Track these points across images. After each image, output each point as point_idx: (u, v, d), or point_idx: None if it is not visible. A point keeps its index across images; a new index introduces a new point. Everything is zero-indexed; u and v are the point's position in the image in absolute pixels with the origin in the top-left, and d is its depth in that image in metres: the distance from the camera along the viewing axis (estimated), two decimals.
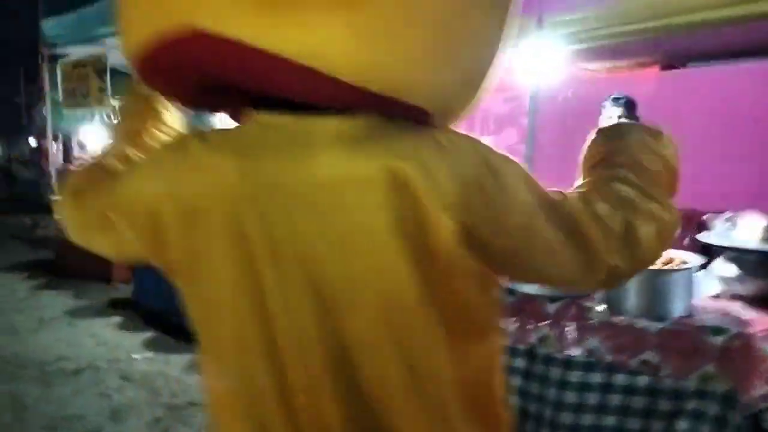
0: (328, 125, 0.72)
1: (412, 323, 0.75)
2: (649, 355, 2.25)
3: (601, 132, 0.95)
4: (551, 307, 2.53)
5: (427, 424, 0.78)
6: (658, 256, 0.85)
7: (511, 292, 2.55)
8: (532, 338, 2.57)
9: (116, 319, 5.31)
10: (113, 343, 4.69)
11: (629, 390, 2.35)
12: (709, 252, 2.49)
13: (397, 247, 0.70)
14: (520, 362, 2.60)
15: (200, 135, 0.78)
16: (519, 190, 0.74)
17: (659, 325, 2.22)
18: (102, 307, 5.70)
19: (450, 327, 0.76)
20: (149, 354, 4.42)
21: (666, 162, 0.88)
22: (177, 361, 4.27)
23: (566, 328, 2.46)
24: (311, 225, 0.72)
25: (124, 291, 5.96)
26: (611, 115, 2.88)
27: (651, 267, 1.21)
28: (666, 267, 2.28)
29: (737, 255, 2.36)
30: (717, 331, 2.10)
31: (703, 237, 2.57)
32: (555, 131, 4.82)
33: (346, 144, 0.71)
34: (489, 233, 0.72)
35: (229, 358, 0.82)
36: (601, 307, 2.40)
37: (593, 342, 2.39)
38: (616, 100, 2.84)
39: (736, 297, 2.37)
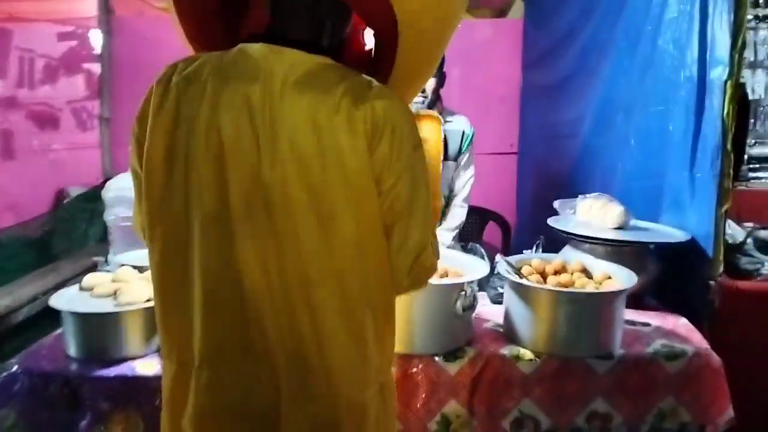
0: (297, 56, 1.03)
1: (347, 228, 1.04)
2: (599, 405, 1.69)
3: None
4: (452, 368, 1.64)
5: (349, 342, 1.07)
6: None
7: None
8: (431, 425, 1.63)
9: None
10: None
11: None
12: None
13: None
14: None
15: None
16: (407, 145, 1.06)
17: (607, 363, 1.69)
18: None
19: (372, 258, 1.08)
20: None
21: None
22: None
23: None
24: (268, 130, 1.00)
25: None
26: None
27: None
28: (602, 289, 1.74)
29: (591, 246, 2.03)
30: (671, 356, 1.72)
31: (555, 222, 2.14)
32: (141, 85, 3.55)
33: (305, 76, 1.02)
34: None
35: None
36: (528, 354, 1.67)
37: (526, 404, 1.66)
38: None
39: None
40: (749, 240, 2.24)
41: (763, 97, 3.21)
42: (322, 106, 0.99)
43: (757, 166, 3.18)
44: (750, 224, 2.44)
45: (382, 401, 1.14)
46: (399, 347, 1.62)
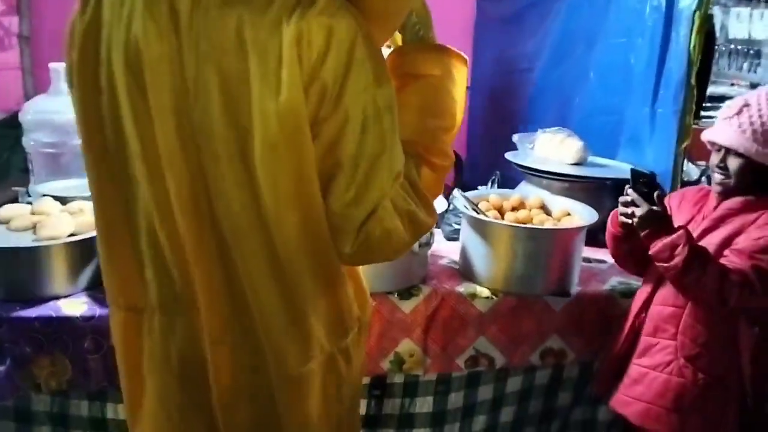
0: None
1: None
2: (553, 342, 1.66)
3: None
4: (407, 306, 1.57)
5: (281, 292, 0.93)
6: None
7: None
8: (384, 363, 1.57)
9: None
10: None
11: (524, 395, 1.73)
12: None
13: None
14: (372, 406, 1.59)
15: None
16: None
17: (563, 301, 1.65)
18: None
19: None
20: None
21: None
22: None
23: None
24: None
25: None
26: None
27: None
28: (561, 225, 1.68)
29: (549, 182, 1.97)
30: (627, 293, 1.69)
31: (513, 157, 2.05)
32: None
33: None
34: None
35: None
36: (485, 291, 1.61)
37: (481, 342, 1.61)
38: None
39: None
40: (703, 179, 2.23)
41: (719, 34, 3.19)
42: (254, 24, 0.80)
43: (710, 105, 3.19)
44: (702, 163, 2.44)
45: (331, 373, 1.01)
46: None
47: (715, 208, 1.46)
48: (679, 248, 1.33)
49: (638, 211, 1.39)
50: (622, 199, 1.44)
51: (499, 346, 1.62)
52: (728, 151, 1.40)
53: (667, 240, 1.35)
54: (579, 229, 1.64)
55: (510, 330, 1.62)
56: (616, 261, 1.64)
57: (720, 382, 1.41)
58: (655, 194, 1.40)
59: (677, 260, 1.34)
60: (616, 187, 2.12)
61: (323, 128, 0.84)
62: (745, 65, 3.51)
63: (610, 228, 1.56)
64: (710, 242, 1.41)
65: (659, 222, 1.38)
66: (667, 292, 1.46)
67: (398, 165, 0.89)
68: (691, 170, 2.26)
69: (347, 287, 1.03)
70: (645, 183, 1.41)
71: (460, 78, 1.01)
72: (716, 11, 3.32)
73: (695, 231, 1.44)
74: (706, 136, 1.47)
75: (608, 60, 2.26)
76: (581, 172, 2.01)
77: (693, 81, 1.87)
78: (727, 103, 1.49)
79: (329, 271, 0.97)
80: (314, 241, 0.91)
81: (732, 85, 3.50)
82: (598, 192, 2.02)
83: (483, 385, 1.66)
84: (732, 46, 3.48)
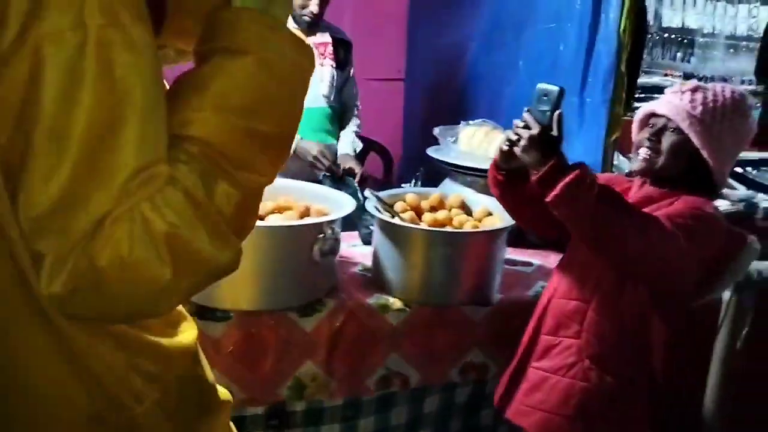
0: None
1: None
2: (474, 355, 1.51)
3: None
4: (308, 324, 1.38)
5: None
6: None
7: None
8: (282, 390, 1.37)
9: None
10: None
11: (443, 415, 1.57)
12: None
13: None
14: None
15: None
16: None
17: (484, 310, 1.49)
18: None
19: None
20: None
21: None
22: None
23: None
24: None
25: None
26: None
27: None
28: (481, 227, 1.52)
29: (473, 179, 1.81)
30: None
31: (435, 152, 1.87)
32: None
33: None
34: None
35: None
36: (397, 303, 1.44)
37: (393, 360, 1.44)
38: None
39: None
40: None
41: (652, 23, 3.12)
42: None
43: (643, 96, 3.12)
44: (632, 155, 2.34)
45: None
46: (243, 303, 1.35)
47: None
48: (570, 173, 1.11)
49: (525, 133, 1.15)
50: (516, 122, 1.20)
51: (414, 362, 1.46)
52: (666, 126, 1.25)
53: (554, 162, 1.13)
54: (499, 231, 1.48)
55: (426, 345, 1.46)
56: (516, 219, 1.41)
57: (629, 383, 1.26)
58: (555, 114, 1.17)
59: (564, 182, 1.10)
60: None
61: (2, 83, 0.52)
62: (679, 54, 3.47)
63: (491, 170, 1.32)
64: None
65: (550, 147, 1.14)
66: (571, 282, 1.29)
67: (151, 152, 0.56)
68: (623, 163, 2.15)
69: (100, 350, 0.64)
70: (547, 100, 1.18)
71: (296, 73, 0.66)
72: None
73: None
74: (646, 108, 1.32)
75: (538, 47, 2.13)
76: None
77: (623, 68, 1.75)
78: (683, 81, 1.36)
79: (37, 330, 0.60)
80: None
81: (665, 75, 3.45)
82: None
83: (397, 407, 1.50)
84: (666, 35, 3.43)
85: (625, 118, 1.84)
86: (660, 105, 1.28)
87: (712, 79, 3.47)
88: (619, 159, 2.16)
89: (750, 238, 1.32)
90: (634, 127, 1.34)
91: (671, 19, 3.41)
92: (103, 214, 0.53)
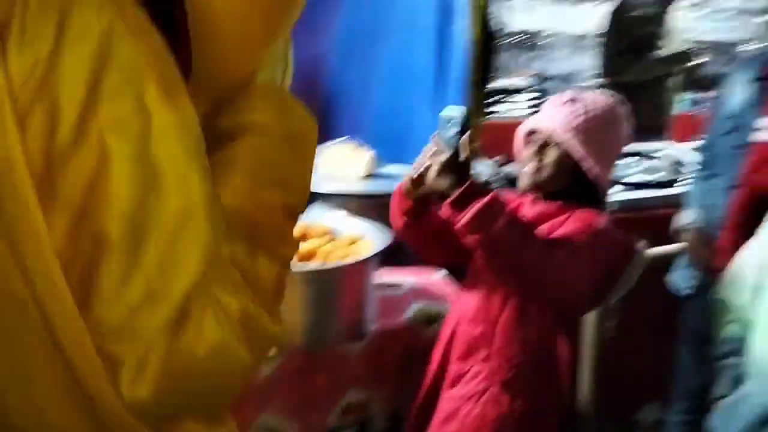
0: None
1: None
2: (354, 395, 1.41)
3: None
4: None
5: None
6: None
7: None
8: None
9: None
10: None
11: None
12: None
13: None
14: None
15: None
16: None
17: (358, 345, 1.40)
18: None
19: None
20: None
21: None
22: None
23: None
24: None
25: None
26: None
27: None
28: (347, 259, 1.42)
29: (342, 201, 1.71)
30: (430, 319, 1.49)
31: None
32: None
33: None
34: None
35: None
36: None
37: (265, 418, 1.30)
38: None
39: None
40: (497, 177, 2.15)
41: (501, 30, 3.21)
42: None
43: (494, 99, 3.21)
44: (497, 159, 2.37)
45: None
46: None
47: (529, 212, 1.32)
48: (481, 200, 1.11)
49: (436, 159, 1.14)
50: (425, 150, 1.20)
51: (289, 415, 1.33)
52: (548, 141, 1.27)
53: (465, 189, 1.11)
54: (369, 260, 1.40)
55: (300, 393, 1.34)
56: (419, 250, 1.40)
57: (540, 405, 1.26)
58: (463, 137, 1.15)
59: (476, 208, 1.10)
60: None
61: (63, 177, 0.49)
62: (525, 57, 3.62)
63: (396, 200, 1.29)
64: None
65: (462, 170, 1.14)
66: (476, 307, 1.28)
67: (217, 232, 0.54)
68: (487, 169, 2.16)
69: None
70: (454, 124, 1.17)
71: (311, 142, 0.68)
72: (494, 3, 3.35)
73: None
74: (527, 124, 1.35)
75: (394, 58, 2.10)
76: (372, 186, 1.79)
77: (475, 78, 1.74)
78: (560, 93, 1.39)
79: None
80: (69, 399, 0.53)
81: (514, 77, 3.59)
82: None
83: None
84: (511, 39, 3.56)
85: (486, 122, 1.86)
86: (540, 120, 1.32)
87: (560, 77, 3.69)
88: (481, 164, 2.18)
89: (639, 245, 1.35)
90: (518, 142, 1.35)
91: (515, 23, 3.55)
92: (184, 305, 0.51)
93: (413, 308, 1.53)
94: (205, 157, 0.55)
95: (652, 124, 2.94)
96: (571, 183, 1.27)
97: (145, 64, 0.51)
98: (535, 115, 1.35)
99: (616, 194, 2.11)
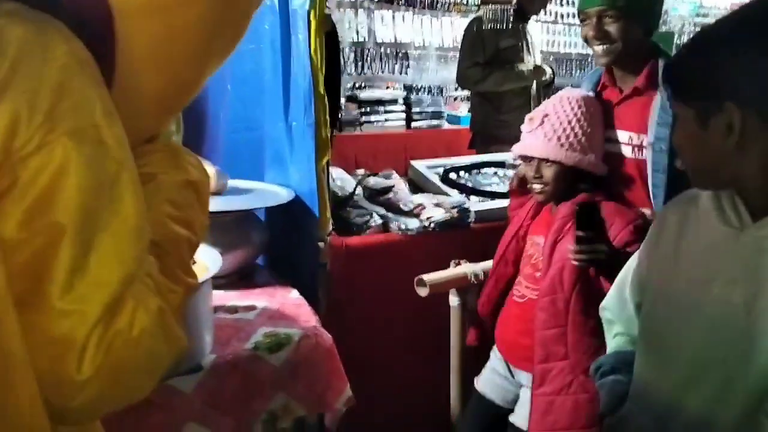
0: None
1: None
2: (190, 429, 1.29)
3: None
4: None
5: None
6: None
7: None
8: None
9: None
10: None
11: None
12: None
13: None
14: None
15: None
16: None
17: (195, 378, 1.29)
18: None
19: None
20: None
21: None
22: None
23: None
24: None
25: None
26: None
27: None
28: None
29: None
30: (275, 346, 1.40)
31: None
32: None
33: None
34: None
35: None
36: None
37: None
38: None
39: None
40: (359, 190, 2.10)
41: (367, 39, 3.21)
42: None
43: (368, 110, 3.20)
44: (361, 172, 2.34)
45: None
46: None
47: (535, 214, 1.59)
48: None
49: (595, 251, 1.34)
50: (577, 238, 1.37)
51: None
52: (540, 161, 1.48)
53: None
54: (202, 284, 1.30)
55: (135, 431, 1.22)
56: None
57: None
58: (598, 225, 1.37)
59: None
60: (269, 214, 1.88)
61: (24, 169, 0.55)
62: (396, 67, 3.66)
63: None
64: (563, 248, 1.44)
65: (617, 257, 1.32)
66: (543, 314, 1.47)
67: (148, 233, 0.65)
68: (348, 183, 2.11)
69: None
70: (589, 215, 1.37)
71: (207, 188, 0.81)
72: (362, 15, 3.35)
73: (545, 244, 1.50)
74: (515, 151, 1.55)
75: (242, 69, 2.00)
76: (218, 204, 1.68)
77: (322, 90, 1.69)
78: (529, 115, 1.56)
79: None
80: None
81: (387, 87, 3.62)
82: (245, 223, 1.74)
83: None
84: (381, 50, 3.58)
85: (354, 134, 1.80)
86: (524, 149, 1.52)
87: (427, 88, 3.78)
88: (341, 179, 2.13)
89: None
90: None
91: (385, 34, 3.58)
92: (122, 292, 0.59)
93: (259, 334, 1.44)
94: (131, 160, 0.64)
95: (517, 135, 3.04)
96: (572, 180, 1.49)
97: (92, 89, 0.61)
98: (518, 143, 1.54)
99: (474, 205, 2.14)
